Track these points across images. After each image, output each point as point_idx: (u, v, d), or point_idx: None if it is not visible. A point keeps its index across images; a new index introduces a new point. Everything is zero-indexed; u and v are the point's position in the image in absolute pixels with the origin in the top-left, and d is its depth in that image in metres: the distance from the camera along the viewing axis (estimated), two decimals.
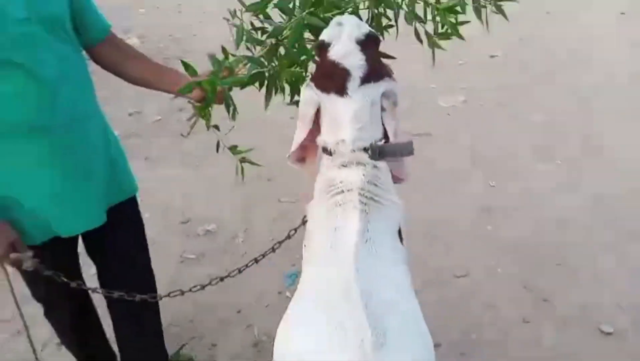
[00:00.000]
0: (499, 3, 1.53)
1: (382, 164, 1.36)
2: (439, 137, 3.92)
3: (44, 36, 1.40)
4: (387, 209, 1.35)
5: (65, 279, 1.62)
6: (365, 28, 1.36)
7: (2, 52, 1.33)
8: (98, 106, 1.67)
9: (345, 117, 1.31)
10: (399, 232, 1.38)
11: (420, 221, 2.93)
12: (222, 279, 1.83)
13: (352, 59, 1.30)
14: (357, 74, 1.30)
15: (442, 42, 1.56)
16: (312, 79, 1.39)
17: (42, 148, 1.46)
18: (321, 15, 1.44)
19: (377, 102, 1.34)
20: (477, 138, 3.85)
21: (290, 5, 1.48)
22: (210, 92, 1.54)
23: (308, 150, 1.46)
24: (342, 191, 1.32)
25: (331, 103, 1.33)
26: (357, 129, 1.31)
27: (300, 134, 1.39)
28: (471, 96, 4.47)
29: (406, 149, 1.38)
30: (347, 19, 1.38)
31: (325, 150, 1.37)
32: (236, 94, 1.63)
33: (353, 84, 1.30)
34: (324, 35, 1.36)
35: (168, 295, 1.79)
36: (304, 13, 1.42)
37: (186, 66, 1.58)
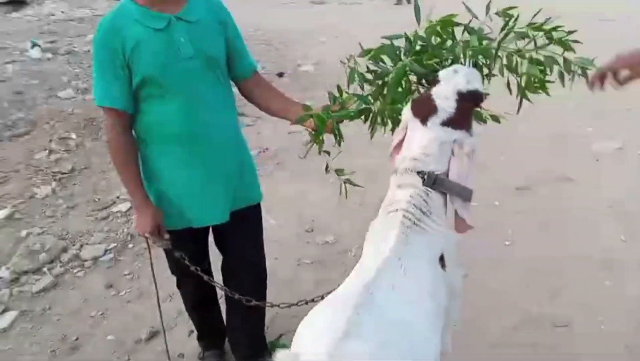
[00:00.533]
0: (585, 68, 1.59)
1: (435, 195, 1.53)
2: (581, 182, 3.76)
3: (202, 70, 1.84)
4: (429, 236, 1.52)
5: (188, 263, 2.00)
6: (473, 85, 1.54)
7: (172, 82, 1.79)
8: (238, 128, 2.07)
9: (416, 141, 1.54)
10: (442, 258, 1.56)
11: (534, 260, 2.90)
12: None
13: (445, 103, 1.52)
14: (442, 115, 1.52)
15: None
16: (413, 100, 1.63)
17: (187, 154, 1.89)
18: (424, 62, 1.65)
19: (448, 144, 1.53)
20: (620, 189, 3.60)
21: (398, 52, 1.71)
22: (320, 123, 1.83)
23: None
24: (394, 210, 1.53)
25: (414, 126, 1.57)
26: (421, 154, 1.52)
27: (396, 137, 1.65)
28: (628, 144, 4.16)
29: (463, 191, 1.53)
30: (464, 71, 1.57)
31: (394, 169, 1.59)
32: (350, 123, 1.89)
33: (435, 121, 1.52)
34: (441, 73, 1.58)
35: (278, 306, 2.00)
36: (407, 60, 1.68)
37: (306, 107, 1.93)
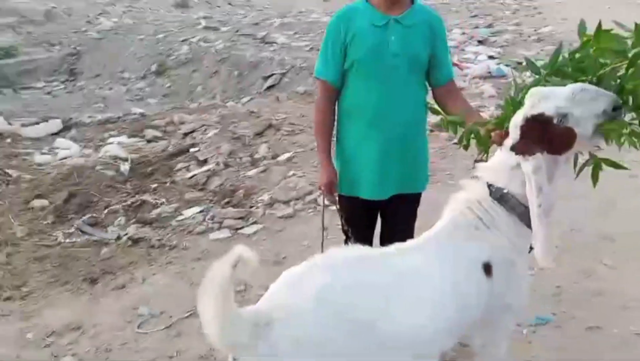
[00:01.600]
0: None
1: (500, 209, 1.64)
2: None
3: (403, 67, 2.14)
4: (478, 242, 1.66)
5: (343, 222, 2.31)
6: (537, 109, 1.54)
7: (375, 70, 2.14)
8: (423, 124, 2.30)
9: (494, 158, 1.69)
10: (488, 266, 1.64)
11: None
12: None
13: (513, 131, 1.61)
14: (510, 141, 1.61)
15: None
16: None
17: (373, 134, 2.19)
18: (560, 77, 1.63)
19: (519, 168, 1.58)
20: None
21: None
22: (477, 141, 1.87)
23: None
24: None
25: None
26: (493, 170, 1.65)
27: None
28: None
29: (523, 215, 1.61)
30: (535, 92, 1.58)
31: None
32: None
33: (507, 145, 1.62)
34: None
35: None
36: (545, 73, 1.68)
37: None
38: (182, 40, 10.35)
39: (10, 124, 6.61)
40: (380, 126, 2.18)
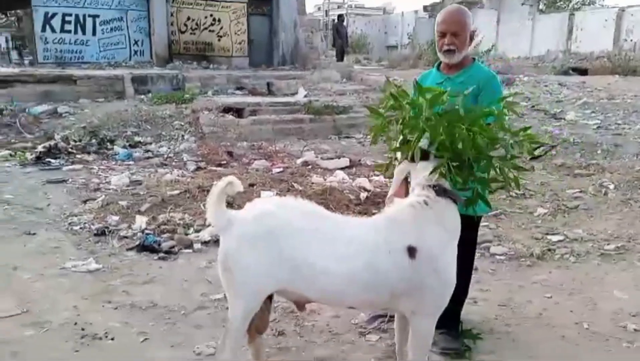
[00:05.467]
0: None
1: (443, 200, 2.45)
2: None
3: None
4: (411, 228, 2.41)
5: None
6: None
7: None
8: None
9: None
10: (412, 250, 2.26)
11: None
12: None
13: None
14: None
15: None
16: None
17: None
18: None
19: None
20: None
21: None
22: None
23: None
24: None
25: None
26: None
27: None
28: None
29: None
30: None
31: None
32: None
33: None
34: None
35: None
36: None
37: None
38: None
39: (317, 157, 8.98)
40: None
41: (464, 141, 2.29)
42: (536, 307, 4.03)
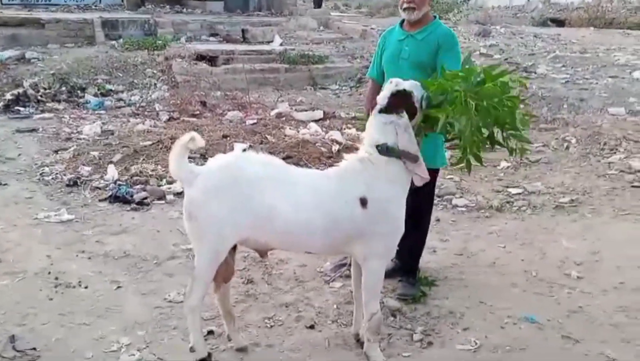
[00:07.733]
0: None
1: (383, 159, 2.60)
2: None
3: (409, 68, 3.14)
4: (360, 181, 2.63)
5: None
6: (402, 87, 2.50)
7: (390, 72, 3.19)
8: None
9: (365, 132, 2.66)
10: (364, 201, 2.49)
11: None
12: None
13: (382, 100, 2.54)
14: (378, 107, 2.55)
15: None
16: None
17: None
18: None
19: (391, 125, 2.51)
20: None
21: None
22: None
23: None
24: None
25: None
26: (369, 135, 2.61)
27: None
28: None
29: (409, 155, 2.51)
30: (403, 84, 2.54)
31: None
32: None
33: (376, 110, 2.55)
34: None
35: None
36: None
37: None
38: None
39: (291, 108, 9.02)
40: None
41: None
42: (490, 256, 4.31)
